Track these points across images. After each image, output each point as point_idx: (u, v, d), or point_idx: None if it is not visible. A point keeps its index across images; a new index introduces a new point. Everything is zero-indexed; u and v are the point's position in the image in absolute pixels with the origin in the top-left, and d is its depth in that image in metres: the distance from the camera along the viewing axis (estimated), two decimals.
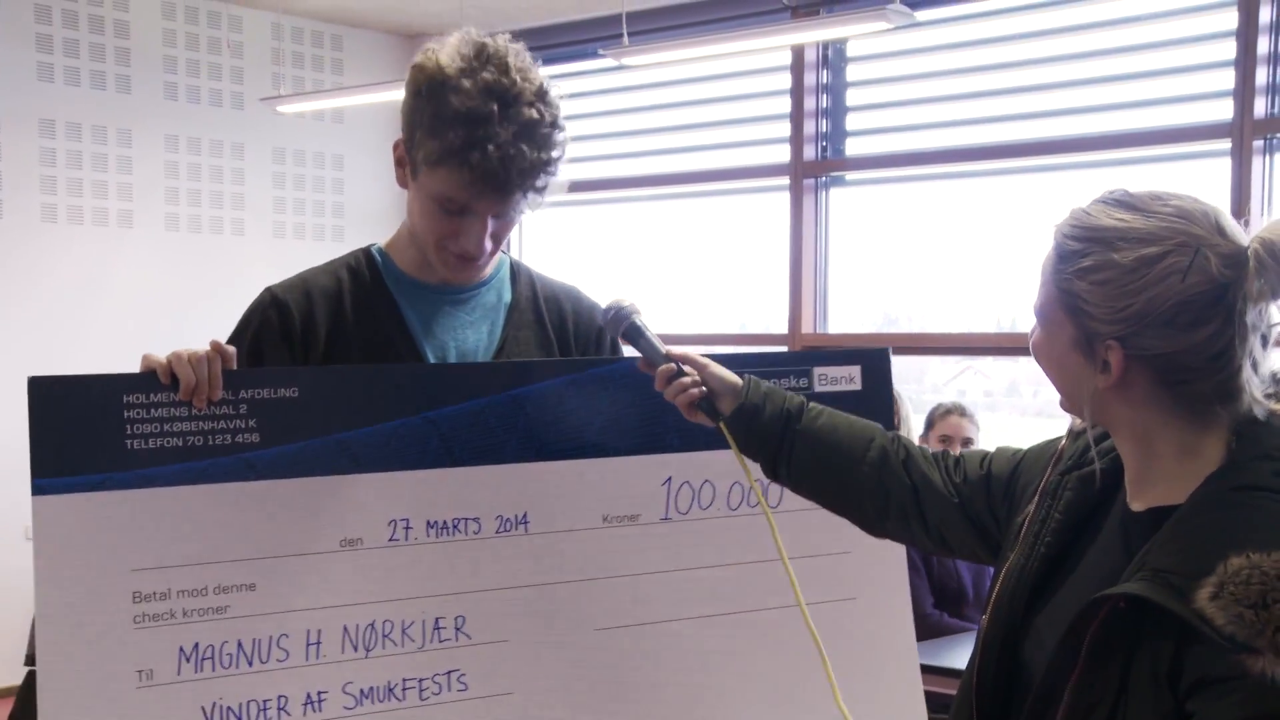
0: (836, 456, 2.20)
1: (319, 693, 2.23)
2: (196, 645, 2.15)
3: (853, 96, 8.13)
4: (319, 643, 2.23)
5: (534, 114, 2.29)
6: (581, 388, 2.45)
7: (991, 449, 2.18)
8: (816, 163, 8.10)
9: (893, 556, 2.65)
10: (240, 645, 2.18)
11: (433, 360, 2.48)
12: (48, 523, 2.09)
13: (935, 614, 5.26)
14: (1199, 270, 1.73)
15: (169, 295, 8.09)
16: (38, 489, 2.08)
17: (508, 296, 2.58)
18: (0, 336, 7.55)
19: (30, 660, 6.86)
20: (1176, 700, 1.67)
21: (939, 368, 8.58)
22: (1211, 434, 1.81)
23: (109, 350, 6.71)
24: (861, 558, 2.56)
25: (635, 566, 2.47)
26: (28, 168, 7.81)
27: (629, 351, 2.46)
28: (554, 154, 2.36)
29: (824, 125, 8.02)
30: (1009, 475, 2.10)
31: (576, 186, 9.25)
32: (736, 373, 2.25)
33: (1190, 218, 1.76)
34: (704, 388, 2.23)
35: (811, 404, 2.24)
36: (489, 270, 2.56)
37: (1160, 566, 1.69)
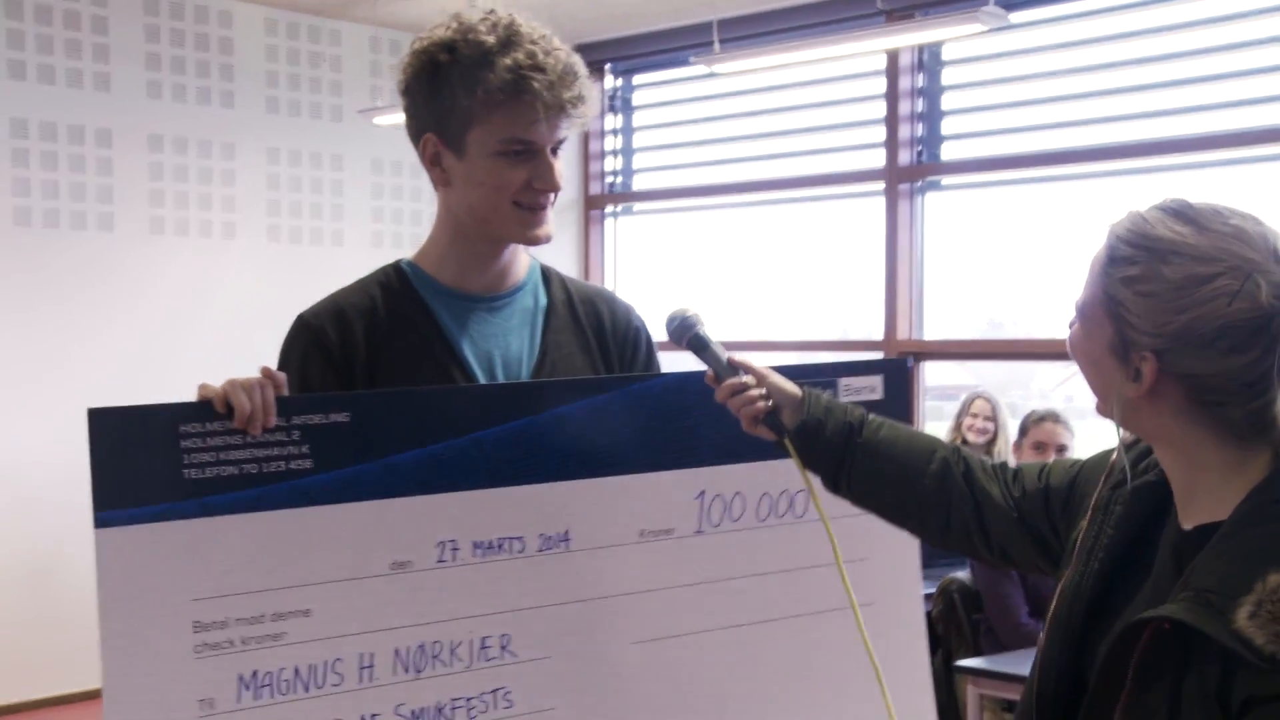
0: (898, 470, 2.20)
1: (372, 715, 2.25)
2: (255, 673, 2.17)
3: (948, 100, 8.07)
4: (371, 665, 2.25)
5: (548, 37, 2.36)
6: (621, 404, 2.46)
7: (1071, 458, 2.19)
8: (912, 167, 8.10)
9: (908, 563, 2.70)
10: (297, 671, 2.20)
11: (477, 369, 2.48)
12: (110, 555, 2.11)
13: (1030, 623, 5.21)
14: (1247, 296, 1.71)
15: (270, 305, 8.08)
16: (100, 521, 2.09)
17: (544, 300, 2.57)
18: (109, 345, 7.71)
19: None
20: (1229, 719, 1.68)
21: (1046, 373, 8.42)
22: (1255, 449, 1.79)
23: (212, 358, 6.75)
24: (878, 564, 2.58)
25: (670, 580, 2.49)
26: (137, 181, 8.00)
27: (687, 362, 2.45)
28: (578, 64, 2.38)
29: (919, 129, 8.02)
30: (1067, 488, 2.09)
31: (670, 194, 9.34)
32: (796, 384, 2.26)
33: (1247, 240, 1.74)
34: (770, 401, 2.23)
35: (872, 416, 2.24)
36: (518, 276, 2.56)
37: (1203, 586, 1.69)
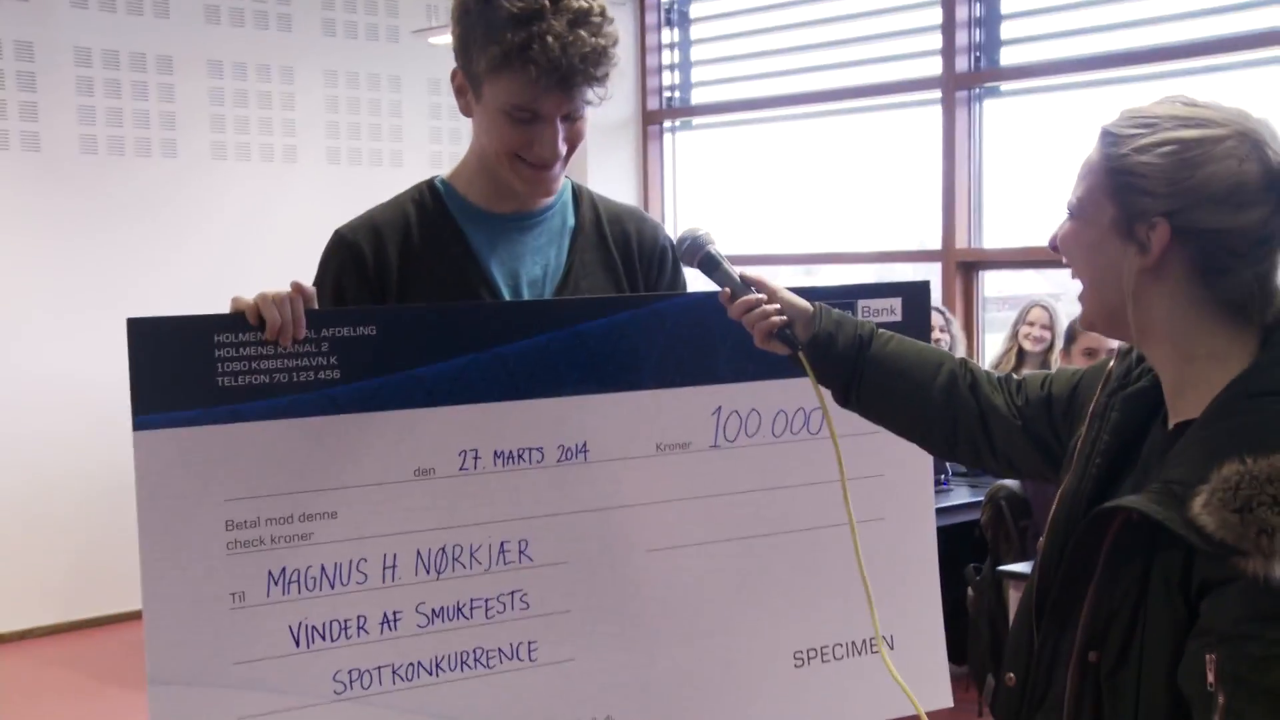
0: (906, 383, 2.23)
1: (394, 612, 2.31)
2: (284, 570, 2.24)
3: (1007, 4, 7.87)
4: (394, 566, 2.31)
5: (583, 3, 2.30)
6: (641, 322, 2.47)
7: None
8: (969, 74, 7.97)
9: (921, 481, 2.73)
10: (324, 569, 2.27)
11: (503, 287, 2.50)
12: (148, 456, 2.16)
13: None
14: (1257, 157, 1.77)
15: (331, 228, 8.30)
16: (139, 425, 2.15)
17: (572, 221, 2.59)
18: (173, 269, 7.79)
19: None
20: (1189, 605, 1.73)
21: None
22: (1241, 339, 1.83)
23: (274, 281, 6.73)
24: (892, 481, 2.63)
25: (685, 492, 2.52)
26: (198, 107, 8.08)
27: (700, 281, 2.46)
28: (610, 42, 2.35)
29: (977, 35, 7.85)
30: (1069, 396, 2.13)
31: (729, 107, 9.31)
32: (807, 299, 2.29)
33: (1248, 115, 1.81)
34: (783, 315, 2.26)
35: (880, 330, 2.27)
36: (548, 197, 2.55)
37: (1169, 478, 1.74)
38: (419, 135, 8.90)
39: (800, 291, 2.34)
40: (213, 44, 8.17)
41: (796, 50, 8.94)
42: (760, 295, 2.28)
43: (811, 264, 9.03)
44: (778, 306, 2.27)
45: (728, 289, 2.31)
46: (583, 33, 2.29)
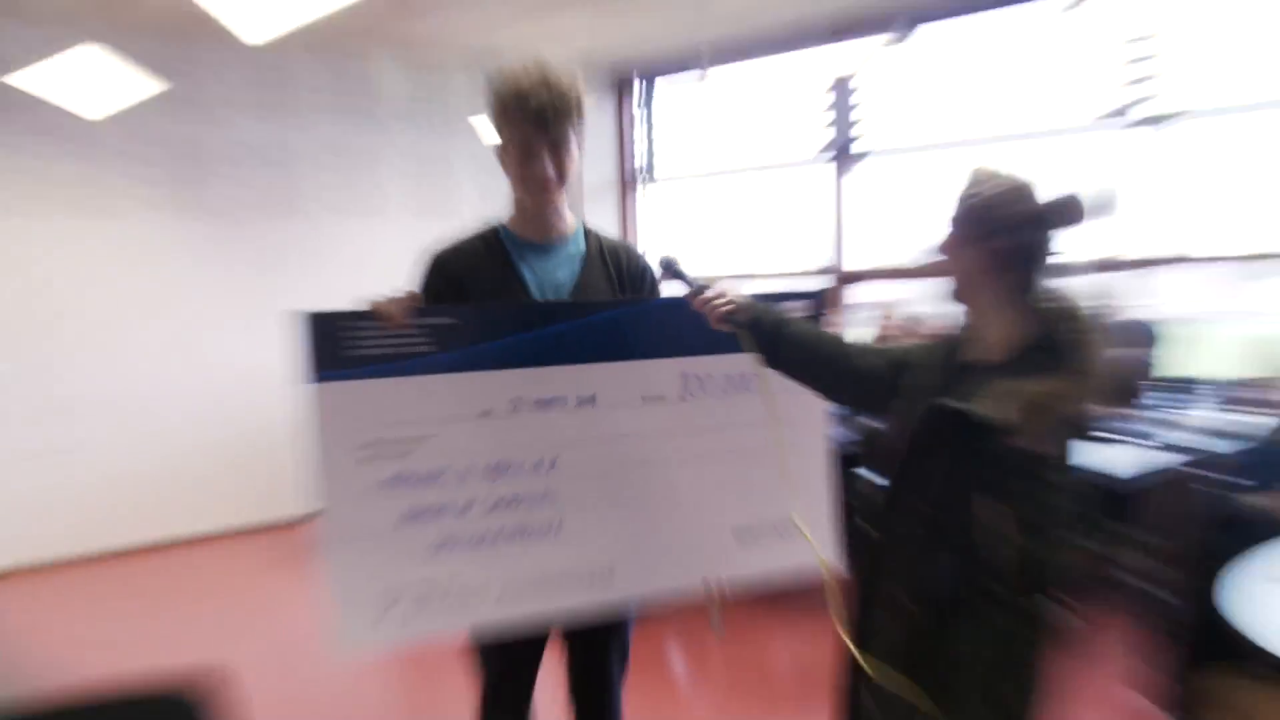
0: (807, 352, 2.30)
1: (468, 502, 2.39)
2: (398, 474, 2.32)
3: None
4: (469, 472, 2.38)
5: (557, 80, 2.38)
6: (631, 316, 2.51)
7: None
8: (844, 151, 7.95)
9: (819, 421, 2.69)
10: (423, 474, 2.35)
11: (536, 291, 2.51)
12: (313, 401, 2.26)
13: None
14: (1030, 204, 1.95)
15: (407, 256, 8.34)
16: (310, 380, 2.25)
17: (582, 249, 2.60)
18: (311, 286, 7.72)
19: None
20: (986, 474, 1.87)
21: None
22: (1026, 312, 1.97)
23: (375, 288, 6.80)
24: (800, 422, 2.59)
25: (662, 428, 2.55)
26: (315, 179, 8.05)
27: (671, 290, 2.49)
28: (577, 107, 2.41)
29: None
30: (905, 354, 2.23)
31: (677, 175, 9.09)
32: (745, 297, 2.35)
33: (1023, 180, 1.96)
34: (731, 305, 2.33)
35: (789, 317, 2.34)
36: (568, 232, 2.59)
37: (978, 392, 1.89)
38: (470, 196, 8.80)
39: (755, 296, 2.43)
40: (329, 137, 8.19)
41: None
42: (714, 292, 2.34)
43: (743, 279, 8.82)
44: (727, 299, 2.34)
45: (691, 290, 2.38)
46: (546, 96, 2.38)
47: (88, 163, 7.20)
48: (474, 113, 8.66)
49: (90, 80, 6.16)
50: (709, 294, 2.35)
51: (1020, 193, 1.97)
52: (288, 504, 7.69)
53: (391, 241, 8.22)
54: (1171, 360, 6.36)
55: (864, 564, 2.08)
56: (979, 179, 2.00)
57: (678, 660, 5.10)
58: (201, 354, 7.58)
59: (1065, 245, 1.98)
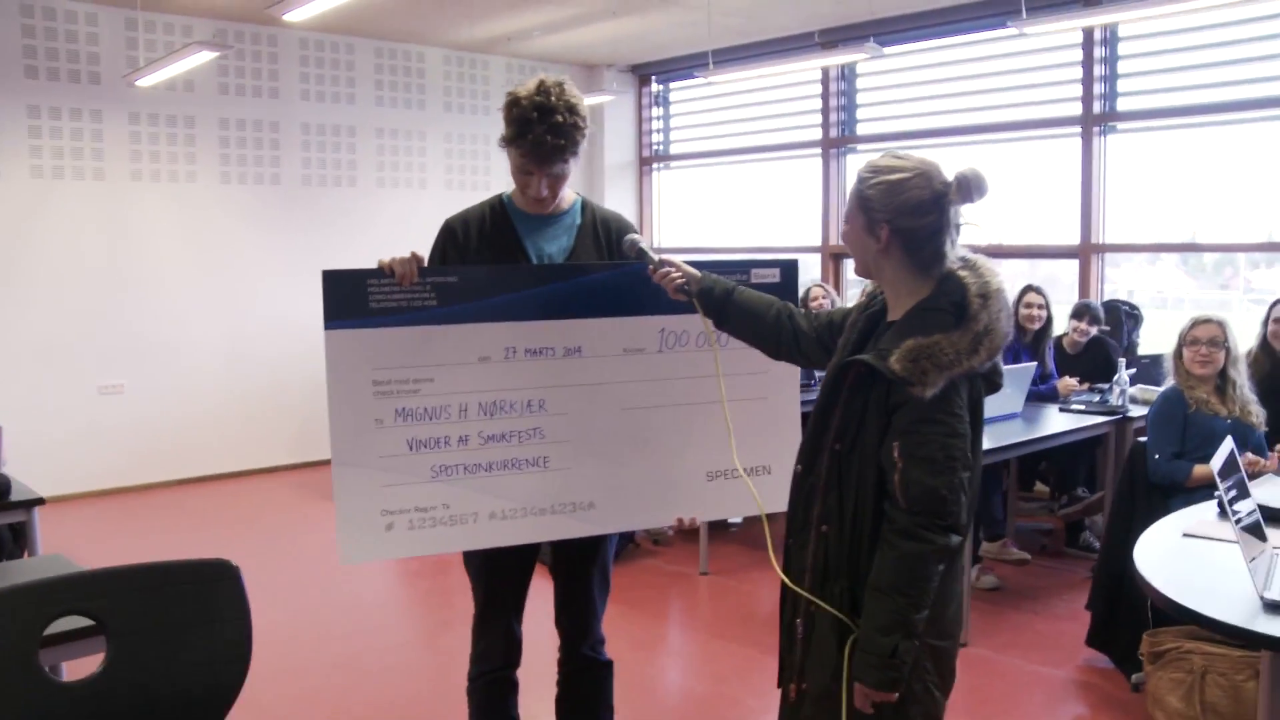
0: (752, 316, 2.30)
1: (465, 435, 2.42)
2: (404, 408, 2.36)
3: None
4: (466, 409, 2.41)
5: (559, 119, 2.36)
6: (616, 278, 2.52)
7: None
8: (838, 139, 7.92)
9: (791, 378, 2.69)
10: (426, 409, 2.38)
11: (533, 256, 2.53)
12: (333, 346, 2.32)
13: None
14: (930, 186, 1.94)
15: (441, 220, 8.46)
16: (329, 327, 2.30)
17: (578, 220, 2.61)
18: (356, 246, 7.87)
19: None
20: (888, 416, 1.89)
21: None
22: (927, 281, 1.97)
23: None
24: (771, 377, 2.62)
25: (642, 376, 2.55)
26: (369, 156, 8.13)
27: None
28: (572, 142, 2.41)
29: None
30: (841, 319, 2.23)
31: (689, 156, 9.18)
32: (700, 270, 2.36)
33: (926, 162, 1.97)
34: (682, 279, 2.34)
35: (739, 286, 2.34)
36: (566, 205, 2.59)
37: (882, 347, 1.91)
38: (500, 170, 8.78)
39: (708, 264, 2.42)
40: (380, 118, 8.22)
41: (742, 120, 8.83)
42: (668, 267, 2.35)
43: (743, 252, 8.67)
44: (681, 273, 2.34)
45: (651, 266, 2.38)
46: (548, 137, 2.37)
47: (163, 133, 7.31)
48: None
49: (169, 60, 6.23)
50: (665, 269, 2.35)
51: (912, 178, 1.96)
52: (319, 446, 7.77)
53: (428, 210, 8.27)
54: (1135, 336, 6.38)
55: (792, 496, 2.10)
56: (876, 167, 2.00)
57: (664, 596, 5.15)
58: (255, 306, 7.69)
59: (963, 222, 1.99)
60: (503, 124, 2.47)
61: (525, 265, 2.54)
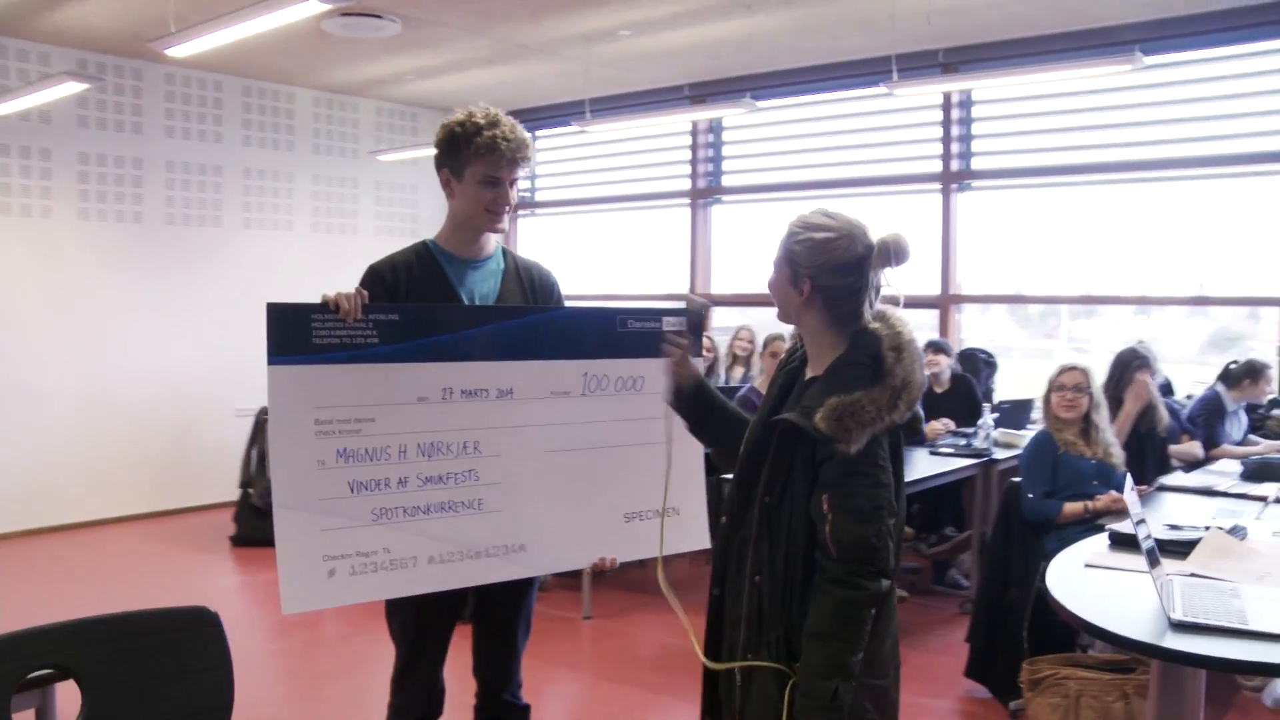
0: (729, 432, 2.28)
1: (404, 476, 2.39)
2: (345, 449, 2.32)
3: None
4: (405, 450, 2.38)
5: (518, 127, 2.50)
6: (542, 322, 2.54)
7: None
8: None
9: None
10: (367, 450, 2.34)
11: (465, 299, 2.55)
12: (275, 382, 2.26)
13: None
14: (854, 249, 1.98)
15: (310, 267, 8.16)
16: (272, 362, 2.25)
17: (503, 266, 2.65)
18: (219, 294, 7.63)
19: (243, 485, 6.93)
20: (814, 470, 1.92)
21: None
22: (844, 336, 2.01)
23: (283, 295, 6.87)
24: (679, 421, 2.49)
25: (567, 419, 2.57)
26: (235, 197, 7.92)
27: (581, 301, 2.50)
28: (529, 146, 2.52)
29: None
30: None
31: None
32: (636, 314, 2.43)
33: (854, 224, 2.01)
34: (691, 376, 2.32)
35: (727, 403, 2.33)
36: (489, 250, 2.63)
37: (806, 405, 1.93)
38: (368, 214, 8.79)
39: (625, 313, 2.53)
40: (248, 158, 8.06)
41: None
42: (691, 360, 2.34)
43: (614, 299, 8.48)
44: (694, 370, 2.34)
45: (685, 344, 2.33)
46: (520, 137, 2.50)
47: (15, 164, 7.02)
48: (375, 143, 8.67)
49: (31, 89, 6.01)
50: (686, 360, 2.34)
51: (838, 239, 2.01)
52: (180, 493, 7.60)
53: (295, 252, 8.21)
54: (990, 382, 6.73)
55: (718, 547, 2.13)
56: (806, 223, 2.05)
57: (549, 641, 5.15)
58: (114, 348, 7.41)
59: (884, 281, 2.05)
60: (441, 153, 2.53)
61: (465, 305, 2.55)
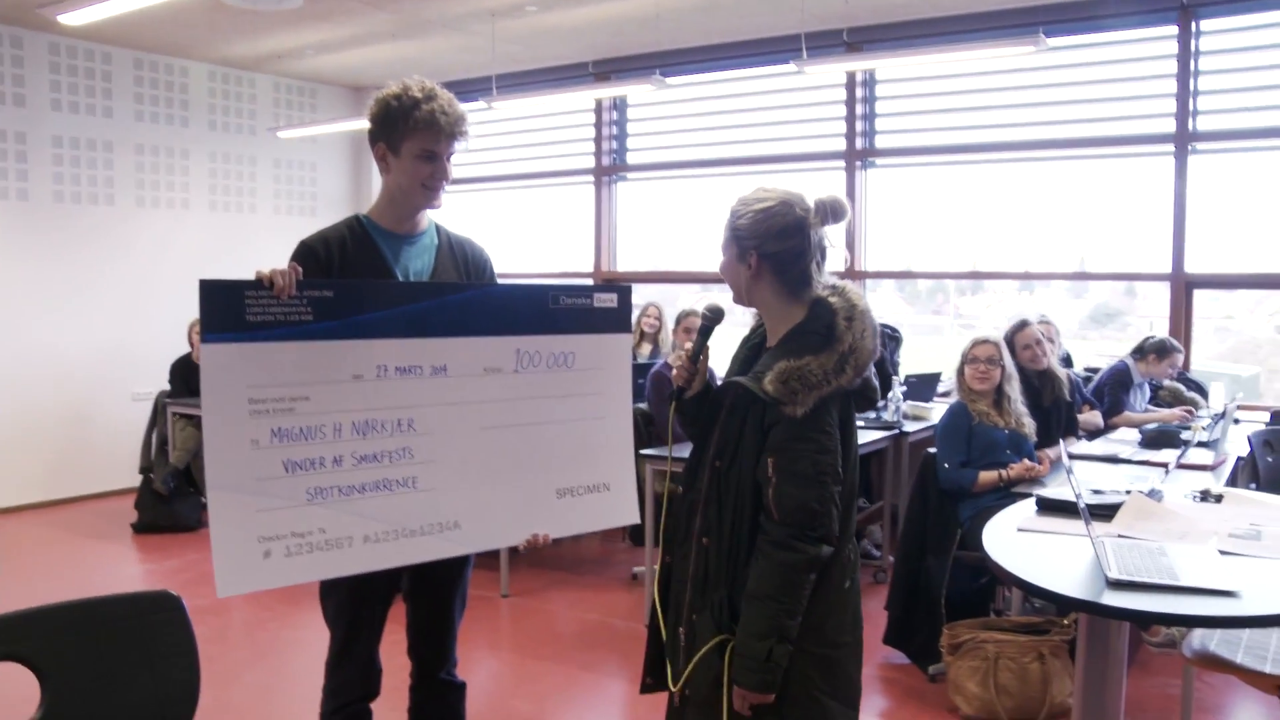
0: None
1: (339, 455, 2.35)
2: (280, 428, 2.28)
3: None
4: (340, 428, 2.35)
5: (455, 101, 2.49)
6: (476, 299, 2.53)
7: None
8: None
9: (624, 398, 2.74)
10: (301, 429, 2.30)
11: (399, 275, 2.54)
12: (209, 360, 2.21)
13: None
14: (792, 214, 2.04)
15: (207, 248, 8.01)
16: (205, 340, 2.20)
17: (435, 241, 2.64)
18: (113, 274, 7.42)
19: (143, 470, 6.80)
20: (763, 434, 1.96)
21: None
22: (798, 306, 2.07)
23: (176, 274, 6.68)
24: (608, 397, 2.70)
25: (500, 395, 2.56)
26: (128, 174, 7.69)
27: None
28: (464, 120, 2.51)
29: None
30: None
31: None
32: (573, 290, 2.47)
33: (790, 192, 2.07)
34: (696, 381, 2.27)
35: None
36: (424, 226, 2.61)
37: (758, 370, 1.99)
38: (266, 193, 8.60)
39: (558, 288, 2.56)
40: (140, 134, 7.81)
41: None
42: (693, 367, 2.28)
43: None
44: (700, 375, 2.29)
45: (689, 349, 2.30)
46: (458, 110, 2.49)
47: None
48: (274, 120, 8.46)
49: None
50: (692, 365, 2.29)
51: (776, 206, 2.06)
52: (76, 481, 7.41)
53: (192, 232, 8.01)
54: (896, 357, 6.86)
55: (673, 511, 2.15)
56: (745, 200, 2.09)
57: (469, 620, 5.13)
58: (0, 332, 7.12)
59: (828, 241, 2.10)
60: (376, 127, 2.49)
61: (399, 282, 2.52)
